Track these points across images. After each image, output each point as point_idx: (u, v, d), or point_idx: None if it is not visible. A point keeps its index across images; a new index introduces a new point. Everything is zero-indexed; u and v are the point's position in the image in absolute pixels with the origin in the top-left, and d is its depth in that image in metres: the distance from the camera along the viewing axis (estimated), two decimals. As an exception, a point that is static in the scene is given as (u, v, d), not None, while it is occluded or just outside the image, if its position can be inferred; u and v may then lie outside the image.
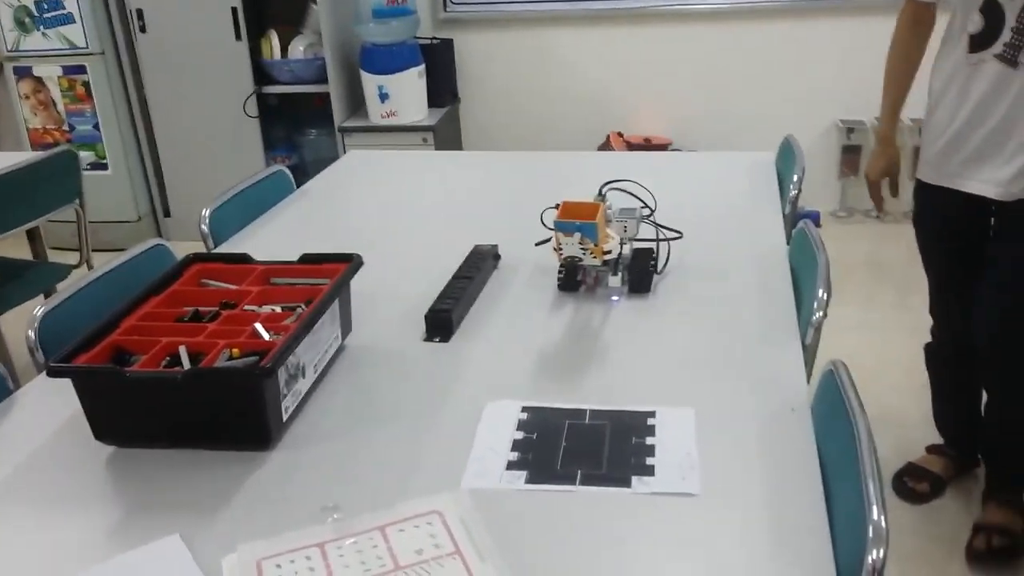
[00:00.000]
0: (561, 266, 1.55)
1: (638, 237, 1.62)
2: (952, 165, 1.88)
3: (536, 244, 1.73)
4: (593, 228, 1.46)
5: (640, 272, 1.59)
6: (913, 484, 2.24)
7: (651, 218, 1.70)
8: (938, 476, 2.25)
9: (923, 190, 2.01)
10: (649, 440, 1.17)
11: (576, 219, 1.46)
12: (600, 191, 1.65)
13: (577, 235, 1.46)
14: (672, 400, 1.25)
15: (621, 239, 1.59)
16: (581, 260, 1.49)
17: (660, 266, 1.65)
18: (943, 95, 1.87)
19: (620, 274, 1.57)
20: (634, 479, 1.09)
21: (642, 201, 1.72)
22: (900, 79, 2.03)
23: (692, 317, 1.49)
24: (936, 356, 2.23)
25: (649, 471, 1.11)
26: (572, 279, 1.61)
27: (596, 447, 1.16)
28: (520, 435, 1.19)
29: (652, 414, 1.22)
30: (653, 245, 1.67)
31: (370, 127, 3.92)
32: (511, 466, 1.13)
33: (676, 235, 1.74)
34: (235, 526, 1.05)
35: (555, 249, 1.51)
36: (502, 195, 2.19)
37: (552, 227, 1.50)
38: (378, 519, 1.04)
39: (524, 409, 1.25)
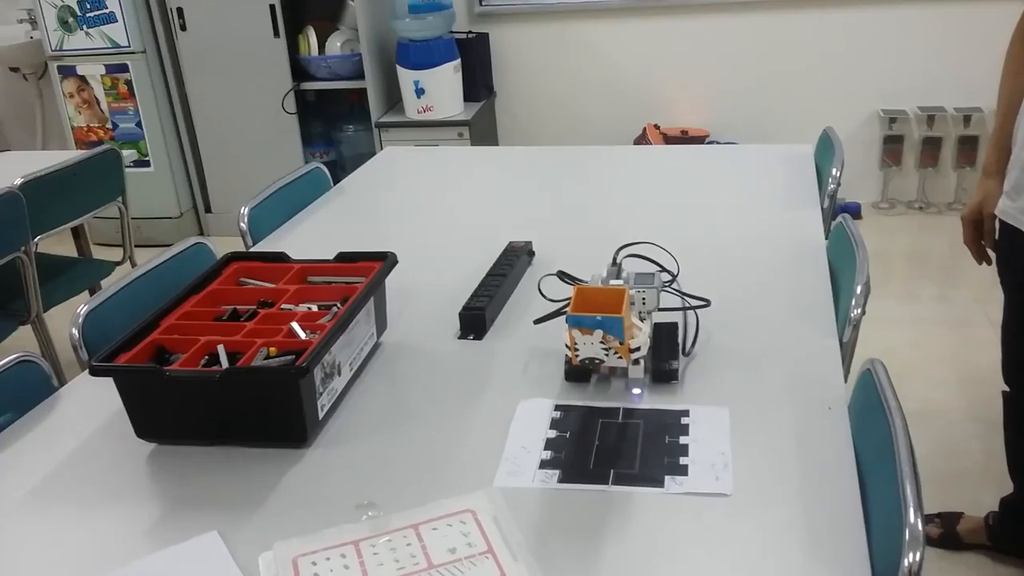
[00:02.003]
0: (571, 362, 1.25)
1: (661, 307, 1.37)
2: None
3: (535, 322, 1.47)
4: (619, 324, 1.15)
5: (664, 356, 1.29)
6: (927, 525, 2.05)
7: (673, 285, 1.49)
8: (958, 536, 2.06)
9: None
10: (683, 439, 1.16)
11: (596, 312, 1.15)
12: (614, 258, 1.46)
13: (599, 332, 1.17)
14: (706, 398, 1.24)
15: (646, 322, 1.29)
16: (603, 362, 1.20)
17: (688, 346, 1.37)
18: None
19: (642, 362, 1.27)
20: (667, 479, 1.09)
21: (659, 265, 1.57)
22: (1008, 99, 1.71)
23: (726, 313, 1.48)
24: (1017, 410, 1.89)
25: (682, 471, 1.10)
26: (579, 370, 1.31)
27: (629, 446, 1.16)
28: (553, 433, 1.20)
29: (686, 413, 1.21)
30: (679, 317, 1.41)
31: (406, 122, 3.93)
32: (544, 465, 1.13)
33: (703, 303, 1.48)
34: (272, 523, 1.06)
35: (568, 348, 1.21)
36: (537, 190, 2.19)
37: (559, 312, 1.26)
38: (412, 517, 1.05)
39: (557, 408, 1.25)
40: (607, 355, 1.19)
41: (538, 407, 1.26)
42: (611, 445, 1.16)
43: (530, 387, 1.31)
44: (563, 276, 1.31)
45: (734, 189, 2.07)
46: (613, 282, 1.30)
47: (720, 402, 1.23)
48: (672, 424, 1.19)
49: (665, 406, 1.23)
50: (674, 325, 1.35)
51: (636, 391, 1.26)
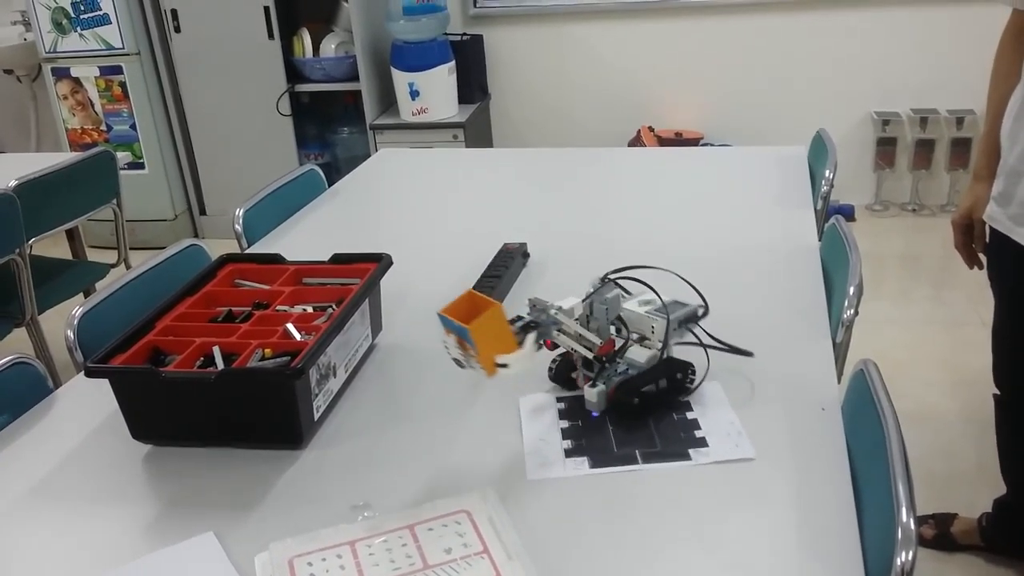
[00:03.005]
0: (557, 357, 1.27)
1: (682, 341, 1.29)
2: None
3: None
4: (467, 334, 1.05)
5: (631, 389, 1.19)
6: (921, 526, 2.07)
7: (688, 324, 1.28)
8: (952, 537, 2.07)
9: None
10: (690, 415, 1.21)
11: (471, 316, 1.06)
12: (603, 279, 1.28)
13: (455, 337, 1.08)
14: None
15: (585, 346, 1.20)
16: (464, 365, 1.10)
17: (697, 380, 1.27)
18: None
19: (600, 388, 1.21)
20: (691, 451, 1.14)
21: (657, 293, 1.32)
22: (996, 104, 1.70)
23: (720, 314, 1.48)
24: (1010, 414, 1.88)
25: (702, 442, 1.15)
26: (564, 375, 1.29)
27: (643, 427, 1.19)
28: (566, 423, 1.22)
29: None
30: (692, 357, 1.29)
31: (401, 124, 3.94)
32: (570, 454, 1.16)
33: (724, 348, 1.37)
34: (268, 524, 1.07)
35: (443, 343, 1.12)
36: (532, 192, 2.19)
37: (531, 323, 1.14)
38: (407, 518, 1.05)
39: (559, 399, 1.27)
40: (467, 361, 1.09)
41: (543, 401, 1.27)
42: (625, 428, 1.19)
43: (527, 384, 1.31)
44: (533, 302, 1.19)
45: (728, 191, 2.08)
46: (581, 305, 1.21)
47: (754, 398, 1.25)
48: (674, 403, 1.23)
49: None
50: (688, 365, 1.26)
51: (595, 413, 1.23)
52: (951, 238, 1.84)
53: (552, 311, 1.15)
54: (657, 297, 1.28)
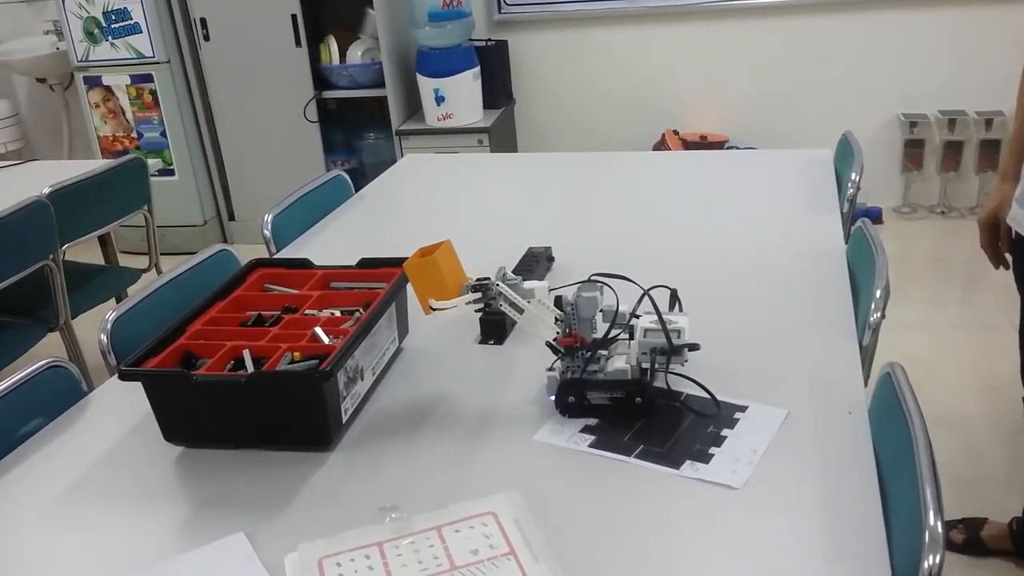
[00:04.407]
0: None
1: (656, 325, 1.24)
2: None
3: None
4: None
5: (570, 390, 1.24)
6: (951, 531, 2.05)
7: (666, 356, 1.23)
8: (982, 541, 2.04)
9: None
10: (725, 431, 1.20)
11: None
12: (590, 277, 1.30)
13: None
14: (765, 396, 1.26)
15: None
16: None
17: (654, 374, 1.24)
18: None
19: (552, 374, 1.28)
20: (686, 463, 1.13)
21: (660, 315, 1.25)
22: None
23: (745, 317, 1.49)
24: None
25: (705, 459, 1.14)
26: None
27: (670, 429, 1.21)
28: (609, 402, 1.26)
29: (743, 408, 1.24)
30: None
31: (426, 130, 3.96)
32: (584, 429, 1.22)
33: (699, 386, 1.30)
34: (297, 525, 1.08)
35: None
36: (556, 196, 2.20)
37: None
38: (434, 519, 1.06)
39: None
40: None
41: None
42: (657, 425, 1.21)
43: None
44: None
45: (753, 194, 2.07)
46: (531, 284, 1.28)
47: (780, 402, 1.24)
48: (724, 416, 1.23)
49: (726, 398, 1.26)
50: (656, 393, 1.25)
51: (551, 397, 1.28)
52: (979, 239, 1.83)
53: (497, 284, 1.24)
54: (661, 323, 1.23)
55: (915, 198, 4.09)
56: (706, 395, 1.28)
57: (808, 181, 2.13)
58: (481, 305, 1.25)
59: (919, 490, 0.95)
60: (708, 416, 1.23)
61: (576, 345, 1.25)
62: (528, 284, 1.28)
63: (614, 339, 1.26)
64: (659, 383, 1.28)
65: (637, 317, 1.27)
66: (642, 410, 1.24)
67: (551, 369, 1.29)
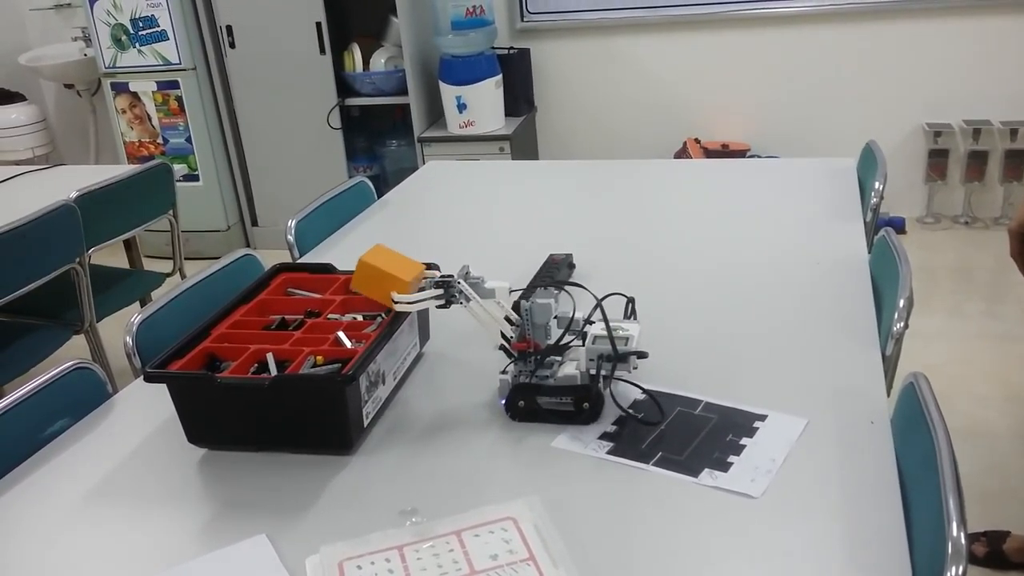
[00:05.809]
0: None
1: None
2: None
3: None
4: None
5: (520, 395, 1.25)
6: (973, 543, 2.04)
7: (612, 362, 1.24)
8: (1004, 555, 2.03)
9: None
10: (744, 440, 1.19)
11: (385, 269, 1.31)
12: (547, 284, 1.39)
13: None
14: (781, 404, 1.26)
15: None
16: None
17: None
18: None
19: (504, 377, 1.29)
20: (705, 471, 1.13)
21: (608, 323, 1.28)
22: None
23: (768, 326, 1.48)
24: None
25: (724, 467, 1.14)
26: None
27: (690, 436, 1.20)
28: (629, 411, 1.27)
29: (762, 417, 1.23)
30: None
31: (449, 137, 3.98)
32: (603, 436, 1.21)
33: (643, 392, 1.31)
34: (318, 527, 1.09)
35: None
36: (577, 204, 2.20)
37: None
38: (454, 524, 1.06)
39: (643, 391, 1.30)
40: None
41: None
42: (676, 432, 1.21)
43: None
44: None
45: (775, 202, 2.07)
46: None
47: (800, 411, 1.24)
48: (743, 425, 1.22)
49: (743, 406, 1.26)
50: (599, 401, 1.25)
51: (502, 401, 1.29)
52: (1006, 251, 1.82)
53: (459, 282, 1.28)
54: (607, 331, 1.24)
55: (939, 208, 4.06)
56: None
57: (831, 190, 2.12)
58: (443, 301, 1.30)
59: (942, 501, 0.94)
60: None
61: (529, 350, 1.26)
62: (490, 284, 1.31)
63: (566, 345, 1.28)
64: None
65: (591, 324, 1.28)
66: (589, 415, 1.25)
67: (504, 372, 1.30)
